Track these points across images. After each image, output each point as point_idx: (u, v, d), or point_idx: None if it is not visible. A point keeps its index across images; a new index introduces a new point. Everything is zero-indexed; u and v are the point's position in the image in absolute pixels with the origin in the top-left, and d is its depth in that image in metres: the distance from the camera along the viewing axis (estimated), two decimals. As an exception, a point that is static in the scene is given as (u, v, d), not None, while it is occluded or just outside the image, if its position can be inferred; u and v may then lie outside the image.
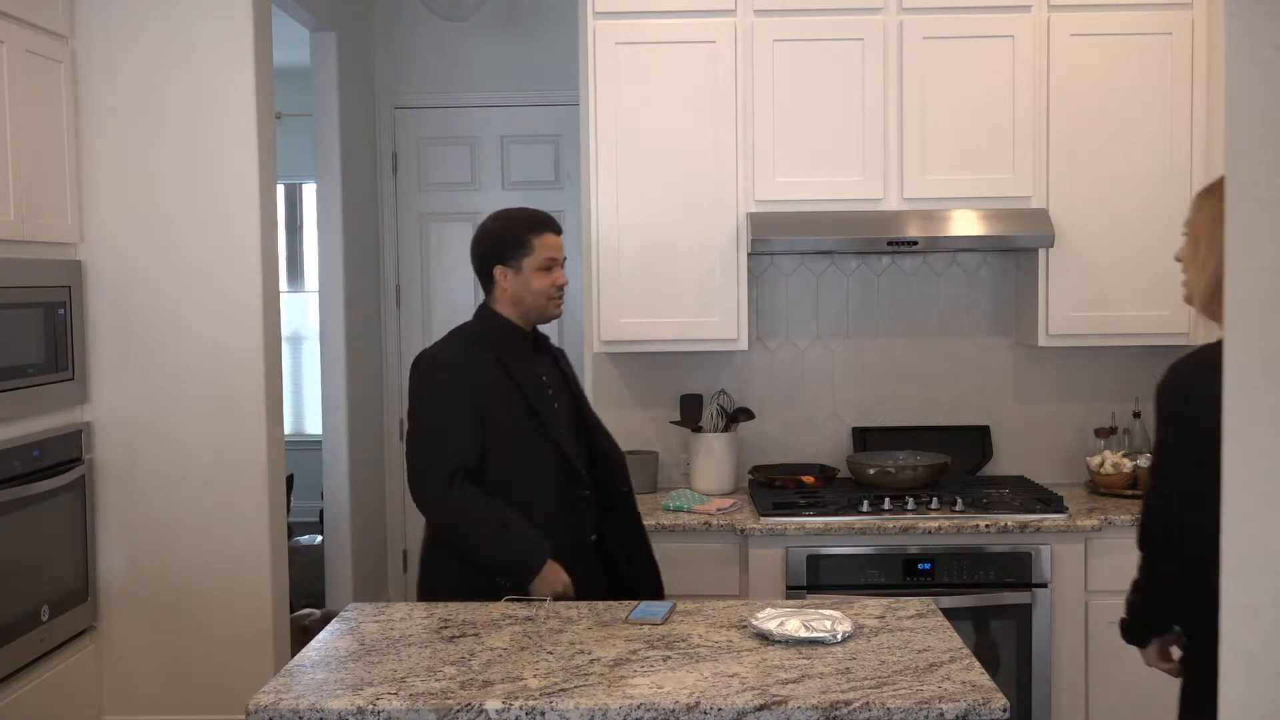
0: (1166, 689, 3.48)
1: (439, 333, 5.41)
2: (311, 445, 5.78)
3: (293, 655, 3.02)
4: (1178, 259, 2.27)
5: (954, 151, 3.69)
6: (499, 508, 2.79)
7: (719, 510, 3.63)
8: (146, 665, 3.93)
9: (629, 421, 4.08)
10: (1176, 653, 2.26)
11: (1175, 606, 2.14)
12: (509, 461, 2.83)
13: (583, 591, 2.82)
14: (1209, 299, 2.14)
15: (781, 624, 2.41)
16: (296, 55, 5.05)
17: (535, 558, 2.77)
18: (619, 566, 2.98)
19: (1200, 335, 3.73)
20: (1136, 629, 2.31)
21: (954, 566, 3.46)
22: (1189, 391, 2.10)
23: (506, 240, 2.90)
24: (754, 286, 3.97)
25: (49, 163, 3.59)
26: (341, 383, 4.97)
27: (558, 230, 2.92)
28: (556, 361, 3.05)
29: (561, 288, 2.91)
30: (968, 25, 3.68)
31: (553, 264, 2.89)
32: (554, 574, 2.79)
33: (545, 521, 2.82)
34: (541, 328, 3.05)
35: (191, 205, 3.83)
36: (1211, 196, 2.17)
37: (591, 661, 2.28)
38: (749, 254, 3.72)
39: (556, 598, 2.74)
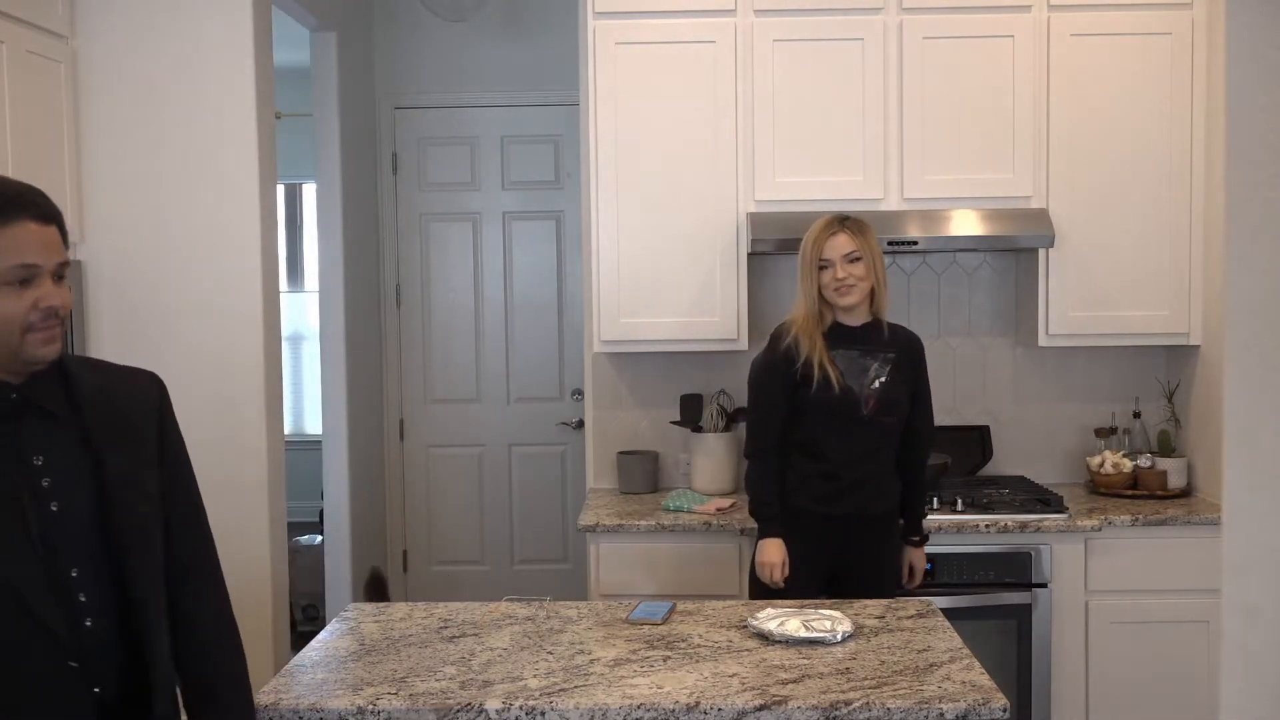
0: (1166, 689, 3.49)
1: (439, 332, 5.46)
2: (311, 445, 5.78)
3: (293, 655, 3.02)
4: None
5: (954, 151, 3.69)
6: None
7: (719, 510, 3.63)
8: (146, 665, 3.91)
9: (629, 421, 4.08)
10: None
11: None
12: None
13: None
14: None
15: (781, 624, 2.42)
16: (296, 55, 5.05)
17: None
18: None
19: (1200, 335, 3.73)
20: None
21: (954, 566, 3.46)
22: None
23: None
24: (754, 286, 3.96)
25: (49, 163, 3.58)
26: (341, 383, 4.97)
27: (43, 216, 1.73)
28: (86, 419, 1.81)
29: (51, 311, 1.72)
30: (968, 25, 3.68)
31: (32, 274, 1.70)
32: None
33: None
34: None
35: (191, 205, 3.82)
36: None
37: (591, 661, 2.28)
38: (749, 254, 3.72)
39: None
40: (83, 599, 1.73)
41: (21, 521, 1.69)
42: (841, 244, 3.10)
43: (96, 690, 1.75)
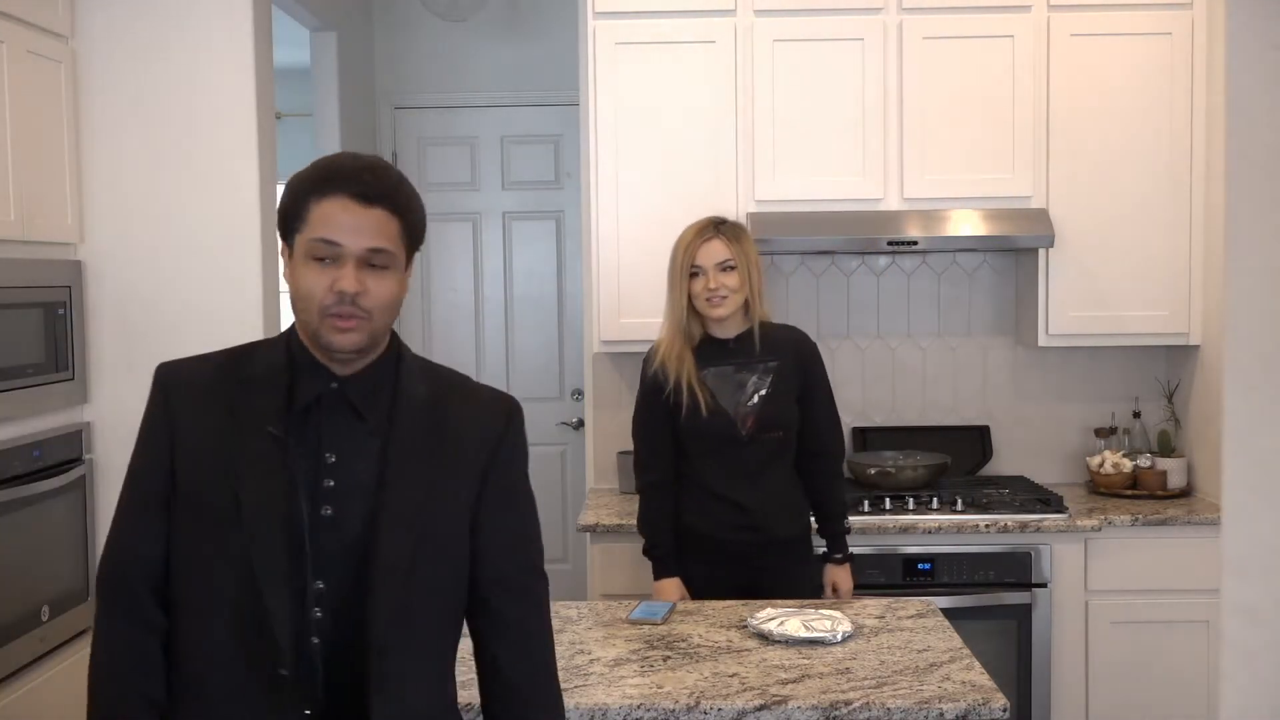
0: (1166, 689, 3.49)
1: (439, 332, 5.46)
2: (311, 445, 5.78)
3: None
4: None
5: (954, 151, 3.69)
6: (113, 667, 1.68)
7: (719, 510, 3.62)
8: (146, 665, 3.91)
9: (629, 421, 4.07)
10: None
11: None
12: (185, 579, 1.66)
13: None
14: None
15: (781, 624, 2.42)
16: (296, 55, 5.05)
17: None
18: None
19: (1200, 335, 3.74)
20: None
21: (954, 566, 3.46)
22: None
23: (285, 202, 1.69)
24: (754, 286, 3.96)
25: (49, 163, 3.58)
26: (341, 383, 4.97)
27: (365, 196, 1.62)
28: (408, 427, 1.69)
29: (344, 296, 1.60)
30: (968, 25, 3.68)
31: (333, 252, 1.61)
32: None
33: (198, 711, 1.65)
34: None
35: (191, 205, 3.82)
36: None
37: (591, 661, 2.28)
38: (749, 254, 3.72)
39: None
40: (318, 613, 1.61)
41: (290, 513, 1.61)
42: (715, 251, 2.90)
43: (307, 712, 1.61)
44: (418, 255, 1.76)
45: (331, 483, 1.62)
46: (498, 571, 1.72)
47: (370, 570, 1.61)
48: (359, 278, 1.60)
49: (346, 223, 1.60)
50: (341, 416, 1.65)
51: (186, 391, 1.71)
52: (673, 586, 2.95)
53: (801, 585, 2.98)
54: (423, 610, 1.66)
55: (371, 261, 1.61)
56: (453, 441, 1.69)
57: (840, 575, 3.05)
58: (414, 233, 1.67)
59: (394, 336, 1.74)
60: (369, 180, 1.62)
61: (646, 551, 3.02)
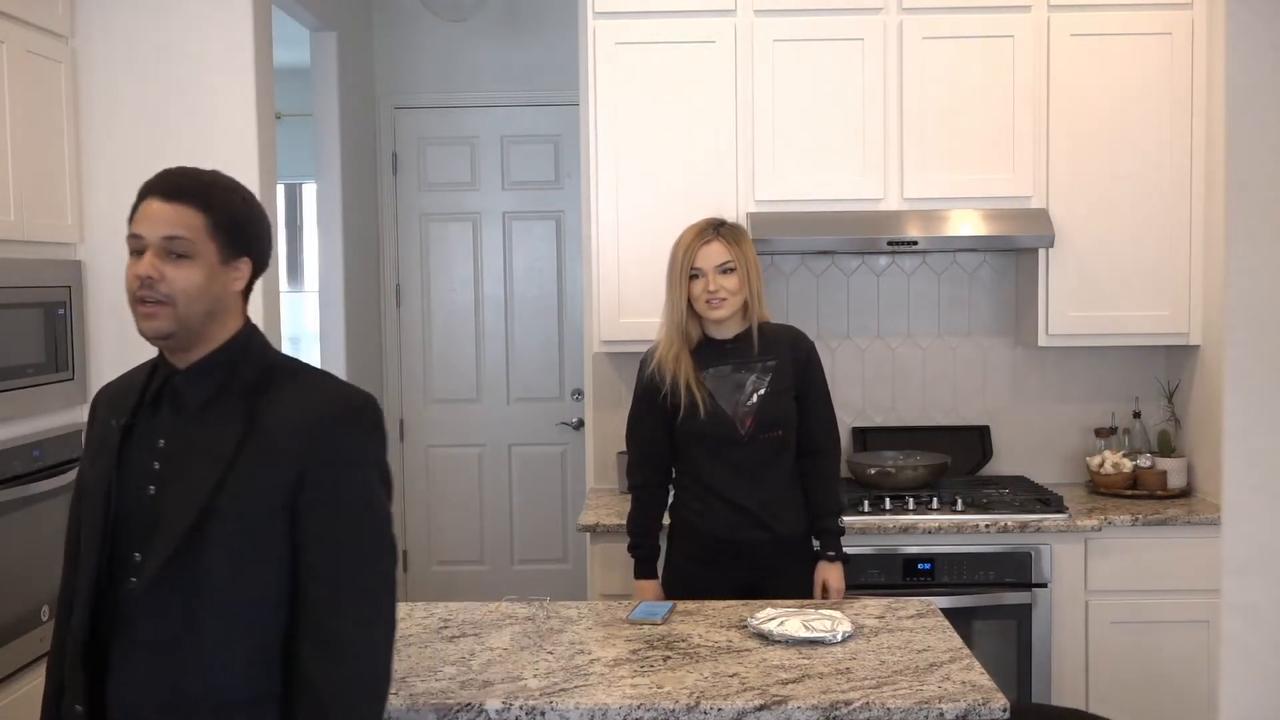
0: (1166, 689, 3.49)
1: (439, 332, 5.46)
2: (311, 445, 5.77)
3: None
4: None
5: (954, 151, 3.69)
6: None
7: (719, 510, 3.62)
8: (146, 665, 3.91)
9: (629, 421, 4.08)
10: None
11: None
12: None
13: None
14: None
15: (781, 624, 2.42)
16: (296, 55, 5.05)
17: None
18: None
19: (1200, 335, 3.74)
20: None
21: (954, 566, 3.46)
22: None
23: None
24: (754, 286, 3.96)
25: (49, 163, 3.59)
26: (341, 383, 4.96)
27: (167, 194, 1.80)
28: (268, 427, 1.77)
29: (145, 281, 1.75)
30: (968, 25, 3.68)
31: (137, 245, 1.77)
32: None
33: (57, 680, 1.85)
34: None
35: (191, 205, 3.83)
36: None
37: (591, 661, 2.28)
38: (749, 254, 3.72)
39: None
40: (134, 582, 1.74)
41: (116, 493, 1.78)
42: (715, 253, 2.90)
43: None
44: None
45: (158, 465, 1.78)
46: (313, 564, 1.73)
47: (152, 534, 1.75)
48: (157, 265, 1.74)
49: (150, 217, 1.77)
50: (173, 405, 1.81)
51: (103, 401, 1.91)
52: (650, 588, 3.00)
53: (804, 585, 2.99)
54: (217, 584, 1.72)
55: (171, 250, 1.75)
56: (266, 429, 1.75)
57: (831, 573, 3.00)
58: (228, 230, 1.80)
59: (246, 330, 1.86)
60: (175, 180, 1.81)
61: (629, 549, 3.05)
